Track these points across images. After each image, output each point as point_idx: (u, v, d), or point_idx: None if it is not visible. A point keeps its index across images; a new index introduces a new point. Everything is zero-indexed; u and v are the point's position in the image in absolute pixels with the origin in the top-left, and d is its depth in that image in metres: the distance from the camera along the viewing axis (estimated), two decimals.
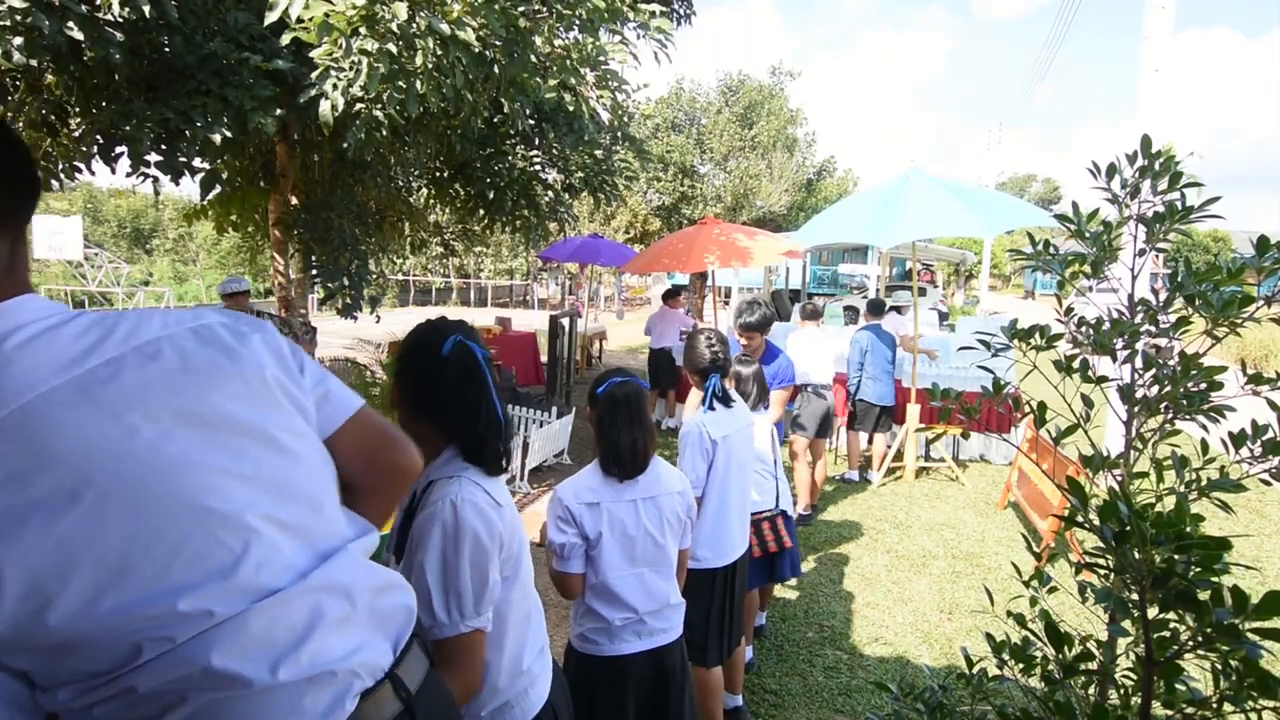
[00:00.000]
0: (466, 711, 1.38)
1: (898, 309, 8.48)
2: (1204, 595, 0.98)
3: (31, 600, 0.72)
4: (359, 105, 3.86)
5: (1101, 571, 1.13)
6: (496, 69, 3.85)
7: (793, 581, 4.21)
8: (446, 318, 1.49)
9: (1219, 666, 1.03)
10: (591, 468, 2.01)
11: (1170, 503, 1.13)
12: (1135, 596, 1.06)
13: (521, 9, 3.73)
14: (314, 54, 3.60)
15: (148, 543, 0.78)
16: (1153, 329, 1.38)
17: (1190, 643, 1.02)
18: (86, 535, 0.75)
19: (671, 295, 8.68)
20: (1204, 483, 1.25)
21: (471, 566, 1.28)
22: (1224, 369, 1.30)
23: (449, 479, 1.34)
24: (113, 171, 4.88)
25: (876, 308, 6.53)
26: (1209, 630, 0.97)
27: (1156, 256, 1.58)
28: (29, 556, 0.72)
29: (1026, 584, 1.47)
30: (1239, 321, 1.27)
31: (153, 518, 0.79)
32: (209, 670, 0.80)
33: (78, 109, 4.76)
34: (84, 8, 3.56)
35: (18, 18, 3.39)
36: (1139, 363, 1.38)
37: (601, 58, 4.14)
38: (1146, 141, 1.38)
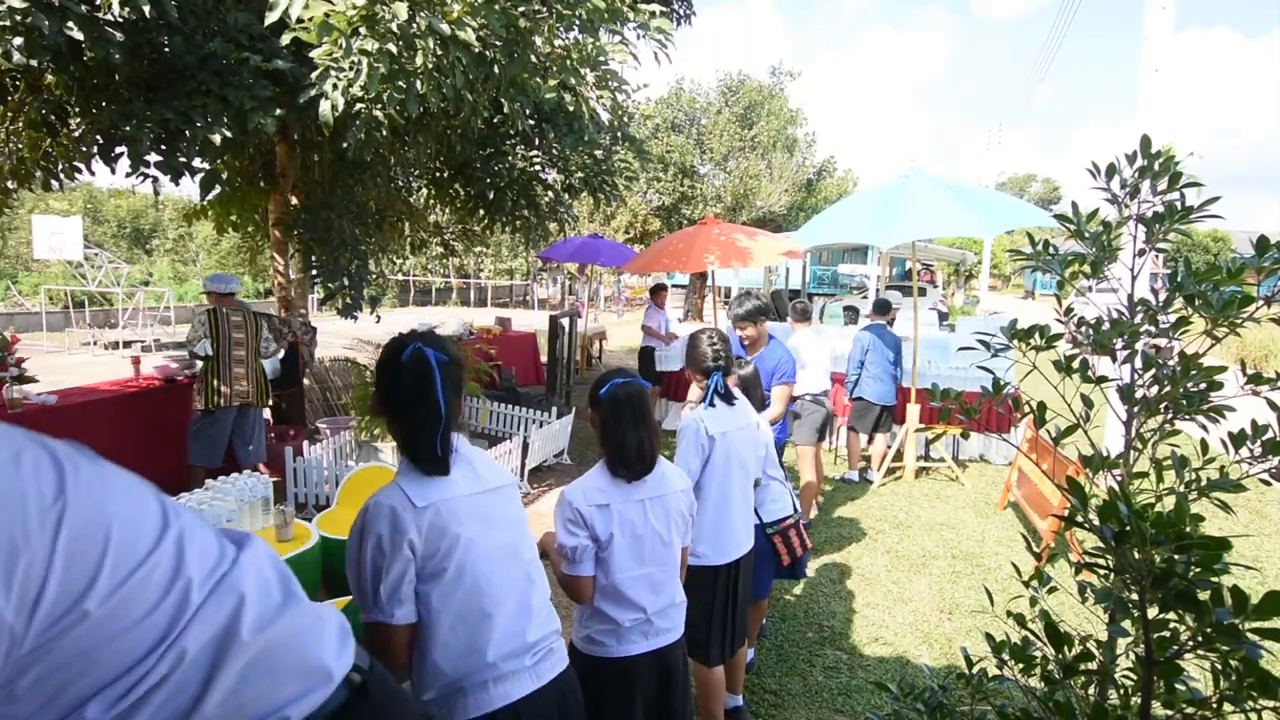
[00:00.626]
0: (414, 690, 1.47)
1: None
2: (1204, 595, 0.98)
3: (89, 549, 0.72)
4: (359, 105, 3.86)
5: (1101, 571, 1.14)
6: (496, 69, 3.85)
7: (792, 582, 4.21)
8: (418, 329, 1.60)
9: (1219, 666, 1.03)
10: (598, 469, 2.00)
11: (1170, 503, 1.13)
12: (1135, 596, 1.06)
13: (521, 9, 3.73)
14: (314, 54, 3.60)
15: (137, 502, 0.79)
16: (1153, 329, 1.38)
17: (1190, 643, 1.02)
18: (95, 490, 0.75)
19: (654, 292, 8.99)
20: (1204, 483, 1.25)
21: (371, 566, 1.39)
22: (1224, 369, 1.30)
23: (388, 484, 1.47)
24: (113, 171, 4.88)
25: (882, 308, 6.52)
26: (1209, 630, 0.97)
27: (1156, 256, 1.58)
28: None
29: (1026, 584, 1.47)
30: (1239, 321, 1.27)
31: (125, 484, 0.80)
32: (245, 601, 0.82)
33: (78, 109, 4.76)
34: (84, 8, 3.56)
35: (17, 18, 3.39)
36: (1139, 363, 1.38)
37: (601, 58, 4.14)
38: (1146, 142, 1.38)
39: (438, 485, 1.46)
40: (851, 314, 9.73)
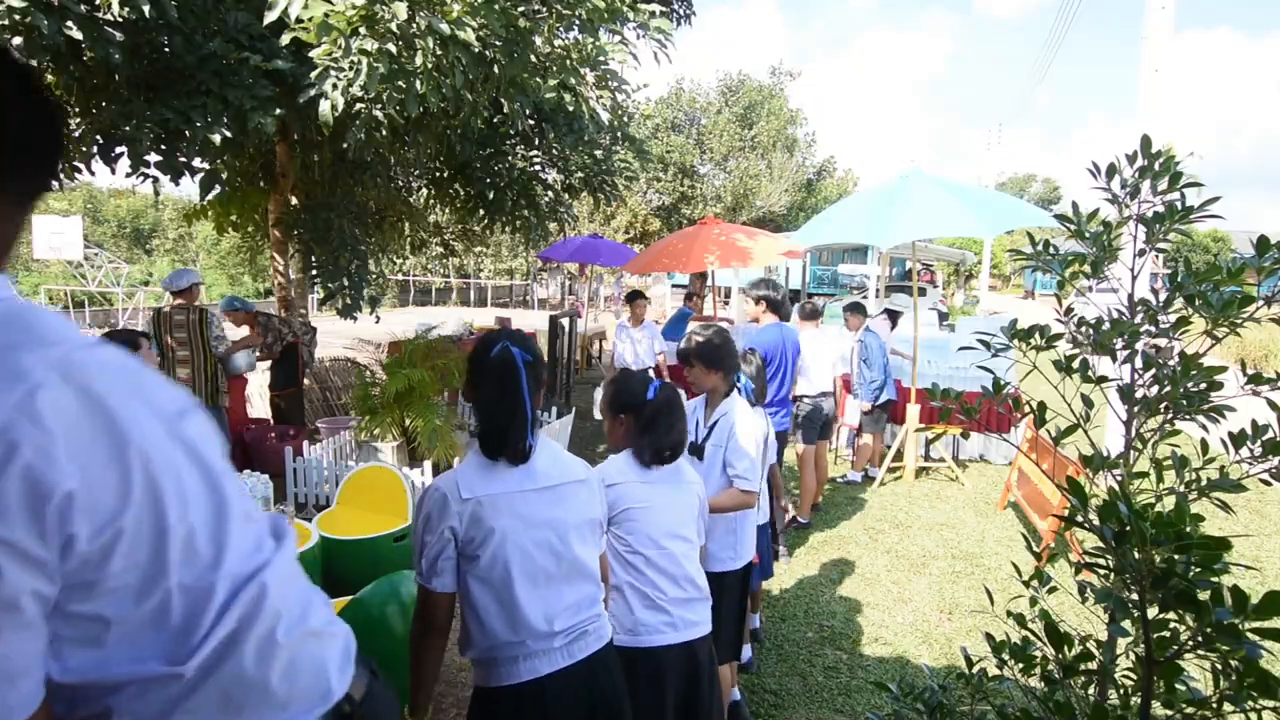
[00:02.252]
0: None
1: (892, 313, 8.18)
2: (1204, 595, 0.98)
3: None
4: (359, 105, 3.86)
5: (1101, 571, 1.13)
6: (496, 69, 3.85)
7: (792, 582, 4.22)
8: (508, 329, 1.77)
9: (1219, 666, 1.03)
10: (625, 456, 2.08)
11: (1170, 503, 1.13)
12: (1135, 596, 1.06)
13: (521, 9, 3.73)
14: (314, 54, 3.60)
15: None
16: (1153, 329, 1.38)
17: (1190, 643, 1.02)
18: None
19: (631, 301, 7.28)
20: (1204, 483, 1.25)
21: (420, 538, 1.58)
22: (1224, 369, 1.30)
23: (454, 469, 1.62)
24: (113, 171, 4.88)
25: (861, 308, 6.52)
26: (1209, 630, 0.97)
27: (1156, 256, 1.58)
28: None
29: (1026, 584, 1.47)
30: (1239, 321, 1.27)
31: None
32: (265, 592, 0.85)
33: (78, 109, 4.76)
34: (84, 8, 3.56)
35: (17, 17, 3.39)
36: (1139, 363, 1.38)
37: (601, 58, 4.14)
38: (1146, 142, 1.38)
39: (488, 480, 1.59)
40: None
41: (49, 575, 0.68)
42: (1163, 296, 1.36)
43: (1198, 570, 0.98)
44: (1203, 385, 1.30)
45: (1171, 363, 1.33)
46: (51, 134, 0.82)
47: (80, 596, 0.72)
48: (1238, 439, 1.26)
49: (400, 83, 3.54)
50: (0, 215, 0.77)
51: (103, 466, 0.72)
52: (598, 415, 3.49)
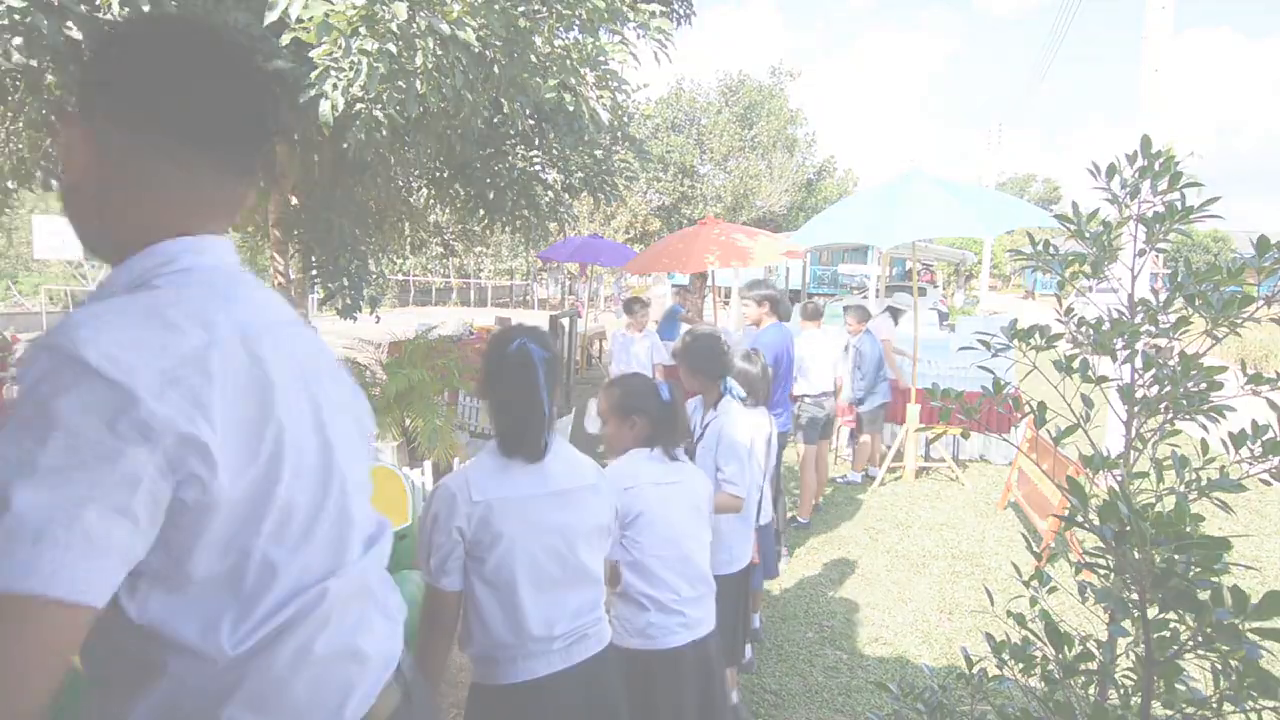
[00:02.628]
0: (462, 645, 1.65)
1: (894, 310, 8.28)
2: (1204, 595, 0.98)
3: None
4: (359, 105, 3.86)
5: (1101, 571, 1.14)
6: (496, 69, 3.85)
7: (792, 582, 4.22)
8: (524, 325, 1.75)
9: (1219, 666, 1.03)
10: (633, 459, 2.08)
11: (1170, 503, 1.13)
12: (1135, 596, 1.06)
13: (521, 9, 3.73)
14: (313, 54, 3.60)
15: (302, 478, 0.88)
16: (1153, 329, 1.38)
17: (1190, 643, 1.02)
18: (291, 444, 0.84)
19: (630, 308, 7.02)
20: (1204, 483, 1.25)
21: (428, 538, 1.55)
22: (1224, 369, 1.30)
23: (465, 466, 1.61)
24: None
25: (863, 312, 6.52)
26: (1209, 630, 0.97)
27: (1156, 257, 1.58)
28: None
29: (1026, 584, 1.48)
30: (1239, 321, 1.27)
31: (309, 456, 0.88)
32: (325, 597, 0.87)
33: None
34: (84, 8, 3.56)
35: (17, 17, 3.39)
36: (1139, 363, 1.38)
37: (601, 58, 4.14)
38: (1146, 142, 1.38)
39: (500, 481, 1.57)
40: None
41: (165, 484, 0.72)
42: (1163, 296, 1.36)
43: (1198, 570, 0.98)
44: (1203, 385, 1.30)
45: (1171, 363, 1.33)
46: (262, 109, 0.89)
47: (184, 537, 0.75)
48: (1238, 439, 1.26)
49: (400, 83, 3.54)
50: (221, 184, 0.87)
51: (243, 426, 0.78)
52: (589, 428, 3.38)
